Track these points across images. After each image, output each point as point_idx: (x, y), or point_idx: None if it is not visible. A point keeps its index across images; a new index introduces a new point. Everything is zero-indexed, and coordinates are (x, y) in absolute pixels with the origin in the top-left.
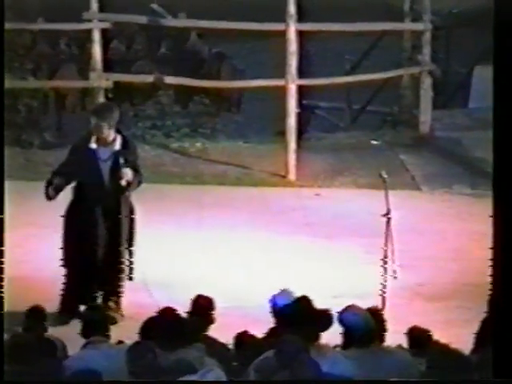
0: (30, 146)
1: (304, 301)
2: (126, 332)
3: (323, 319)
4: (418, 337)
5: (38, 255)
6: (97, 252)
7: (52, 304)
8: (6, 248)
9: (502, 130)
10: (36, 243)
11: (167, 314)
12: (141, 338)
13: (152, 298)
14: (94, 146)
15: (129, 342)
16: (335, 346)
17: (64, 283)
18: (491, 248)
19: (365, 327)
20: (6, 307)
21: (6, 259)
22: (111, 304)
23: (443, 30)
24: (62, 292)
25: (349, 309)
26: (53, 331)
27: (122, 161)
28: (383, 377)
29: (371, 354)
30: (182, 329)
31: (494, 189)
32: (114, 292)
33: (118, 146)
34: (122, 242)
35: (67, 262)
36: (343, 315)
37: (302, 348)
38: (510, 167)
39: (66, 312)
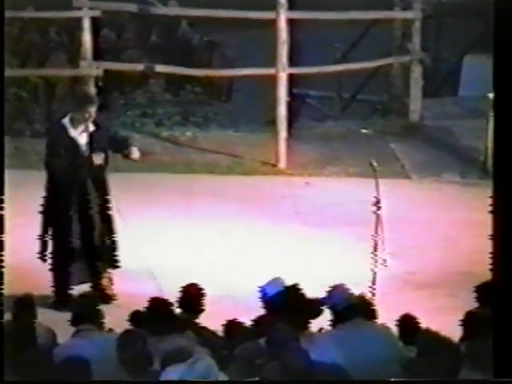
0: (20, 134)
1: (294, 289)
2: (116, 320)
3: (313, 307)
4: (409, 325)
5: (27, 245)
6: (89, 226)
7: (39, 293)
8: None
9: (503, 119)
10: (25, 232)
11: (156, 304)
12: (131, 326)
13: (158, 287)
14: (73, 133)
15: (119, 330)
16: (320, 329)
17: (54, 268)
18: (491, 239)
19: (346, 301)
20: None
21: None
22: (104, 282)
23: (433, 19)
24: (54, 280)
25: (333, 289)
26: (42, 319)
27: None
28: (369, 353)
29: (356, 331)
30: (171, 318)
31: (494, 180)
32: (105, 269)
33: (91, 127)
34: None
35: (57, 243)
36: (327, 297)
37: (292, 336)
38: (510, 158)
39: (61, 299)
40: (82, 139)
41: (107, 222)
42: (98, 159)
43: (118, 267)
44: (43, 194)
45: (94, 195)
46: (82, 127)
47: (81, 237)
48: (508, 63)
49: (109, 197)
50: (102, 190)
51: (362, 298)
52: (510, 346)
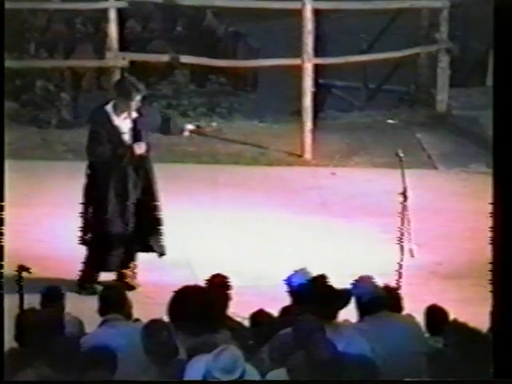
0: (47, 125)
1: (321, 279)
2: (141, 310)
3: (340, 297)
4: (436, 316)
5: (54, 234)
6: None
7: (68, 282)
8: (22, 227)
9: (503, 112)
10: (52, 222)
11: (192, 291)
12: (169, 318)
13: (184, 277)
14: (116, 121)
15: (144, 320)
16: (345, 320)
17: (89, 254)
18: (490, 243)
19: (372, 292)
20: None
21: (22, 238)
22: (128, 272)
23: (461, 8)
24: (84, 264)
25: (359, 280)
26: (70, 309)
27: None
28: (396, 345)
29: (382, 322)
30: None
31: (494, 174)
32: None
33: (134, 114)
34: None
35: (95, 229)
36: (353, 287)
37: (319, 327)
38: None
39: (87, 282)
40: (125, 127)
41: (151, 211)
42: (140, 149)
43: (163, 255)
44: (70, 184)
45: (135, 184)
46: (124, 115)
47: (116, 225)
48: (508, 59)
49: (154, 187)
50: (146, 181)
51: (387, 289)
52: (510, 345)
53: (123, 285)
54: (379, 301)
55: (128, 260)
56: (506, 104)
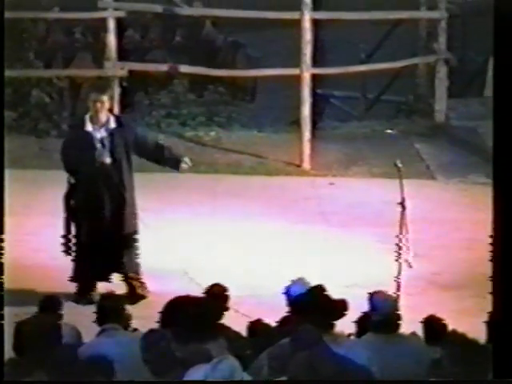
0: (46, 135)
1: (319, 290)
2: (139, 319)
3: (338, 308)
4: (434, 326)
5: (54, 244)
6: (104, 230)
7: (67, 292)
8: (22, 237)
9: (503, 122)
10: (51, 232)
11: (186, 301)
12: (161, 326)
13: (194, 284)
14: (90, 128)
15: (143, 329)
16: (349, 335)
17: (77, 267)
18: (491, 244)
19: (392, 312)
20: (22, 296)
21: (22, 248)
22: (135, 282)
23: (459, 19)
24: (76, 276)
25: (379, 293)
26: (68, 319)
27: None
28: (397, 364)
29: (386, 340)
30: (201, 315)
31: (494, 180)
32: (132, 269)
33: (112, 124)
34: (132, 216)
35: (79, 242)
36: (374, 297)
37: (317, 337)
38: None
39: (84, 295)
40: (98, 134)
41: (119, 225)
42: (105, 158)
43: (123, 273)
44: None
45: (106, 193)
46: (99, 122)
47: (88, 234)
48: (508, 65)
49: (124, 198)
50: (115, 190)
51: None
52: (510, 345)
53: (123, 294)
54: (392, 322)
55: (107, 272)
56: (506, 114)
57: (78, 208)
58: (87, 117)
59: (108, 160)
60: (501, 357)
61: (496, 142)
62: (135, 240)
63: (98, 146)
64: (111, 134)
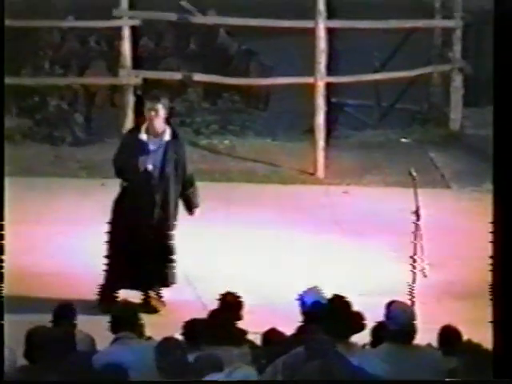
0: (61, 142)
1: (339, 301)
2: (155, 327)
3: (356, 322)
4: (450, 336)
5: (67, 251)
6: (146, 239)
7: (80, 299)
8: (35, 244)
9: (503, 128)
10: (64, 240)
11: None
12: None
13: (196, 293)
14: (144, 137)
15: (157, 338)
16: (364, 345)
17: (107, 272)
18: (491, 244)
19: (409, 322)
20: (34, 302)
21: (34, 255)
22: (152, 293)
23: (474, 27)
24: (103, 281)
25: (396, 303)
26: (82, 327)
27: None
28: (413, 375)
29: (402, 350)
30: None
31: (494, 188)
32: (158, 281)
33: (167, 136)
34: (172, 230)
35: (114, 249)
36: (391, 307)
37: (332, 345)
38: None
39: (106, 301)
40: (152, 145)
41: (162, 236)
42: (149, 165)
43: (166, 286)
44: (82, 201)
45: (150, 203)
46: (154, 132)
47: (131, 243)
48: (508, 70)
49: (168, 210)
50: (159, 200)
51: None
52: (510, 345)
53: (139, 303)
54: (409, 333)
55: (145, 283)
56: (507, 121)
57: (124, 213)
58: (144, 126)
59: (150, 167)
60: (501, 357)
61: (496, 149)
62: (174, 251)
63: (147, 155)
64: (165, 146)
